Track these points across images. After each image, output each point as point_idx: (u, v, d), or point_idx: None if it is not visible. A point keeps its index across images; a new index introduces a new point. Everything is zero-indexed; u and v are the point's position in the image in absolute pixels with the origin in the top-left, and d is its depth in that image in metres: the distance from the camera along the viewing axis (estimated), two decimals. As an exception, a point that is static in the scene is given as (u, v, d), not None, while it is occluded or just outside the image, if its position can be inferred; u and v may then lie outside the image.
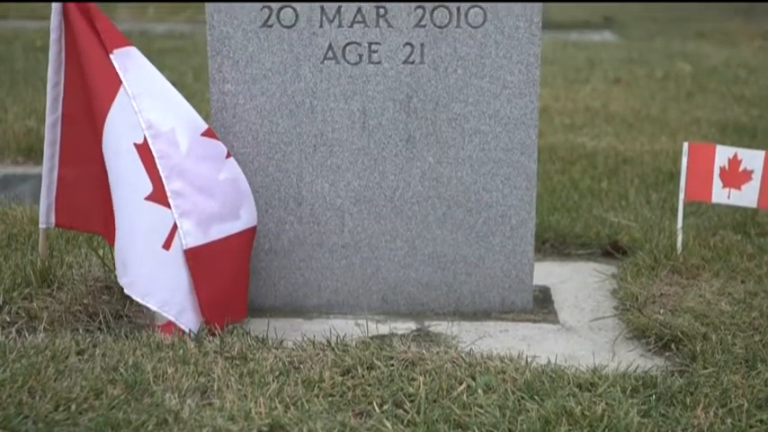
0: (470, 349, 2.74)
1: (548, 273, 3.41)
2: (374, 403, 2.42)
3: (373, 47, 2.94)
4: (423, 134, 2.99)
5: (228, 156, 2.89)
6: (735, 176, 3.30)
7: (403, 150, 3.01)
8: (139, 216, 2.75)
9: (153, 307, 2.75)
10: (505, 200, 3.04)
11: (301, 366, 2.59)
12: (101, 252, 3.22)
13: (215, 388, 2.47)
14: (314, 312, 3.10)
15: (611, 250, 3.57)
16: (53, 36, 2.90)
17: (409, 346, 2.70)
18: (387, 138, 3.00)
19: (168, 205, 2.75)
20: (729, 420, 2.36)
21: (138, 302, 2.79)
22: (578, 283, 3.35)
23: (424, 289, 3.10)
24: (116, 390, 2.42)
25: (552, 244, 3.69)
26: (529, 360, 2.65)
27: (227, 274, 2.86)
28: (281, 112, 2.99)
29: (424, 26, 2.93)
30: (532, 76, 2.95)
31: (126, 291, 2.76)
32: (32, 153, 4.68)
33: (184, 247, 2.76)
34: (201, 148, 2.83)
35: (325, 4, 2.91)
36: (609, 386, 2.50)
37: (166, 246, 2.75)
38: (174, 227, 2.76)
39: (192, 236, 2.77)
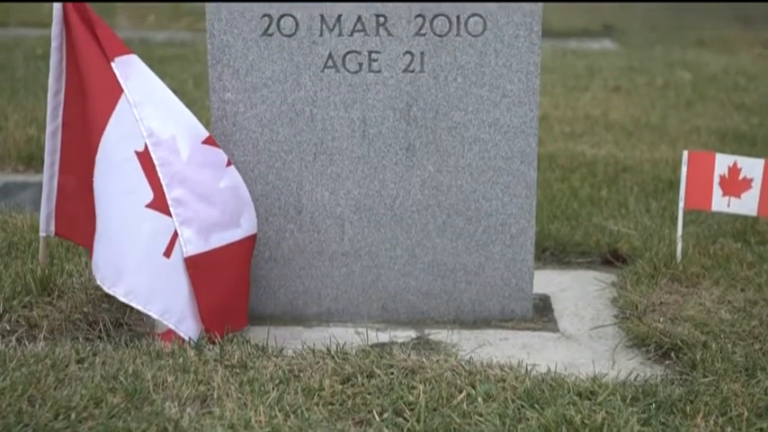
0: (470, 357, 2.74)
1: (548, 281, 3.41)
2: (374, 412, 2.42)
3: (373, 55, 2.95)
4: (423, 143, 3.00)
5: (229, 164, 2.89)
6: (735, 185, 3.31)
7: (403, 159, 3.01)
8: (140, 224, 2.75)
9: (154, 315, 2.75)
10: (505, 208, 3.04)
11: (301, 375, 2.59)
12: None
13: (215, 396, 2.47)
14: (314, 320, 3.10)
15: (611, 258, 3.57)
16: (54, 44, 2.90)
17: (409, 355, 2.70)
18: (387, 146, 3.01)
19: (169, 213, 2.76)
20: (729, 429, 2.36)
21: (137, 311, 2.79)
22: (578, 292, 3.35)
23: (423, 297, 3.10)
24: (116, 398, 2.42)
25: (552, 252, 3.69)
26: (529, 368, 2.65)
27: (227, 282, 2.86)
28: (281, 120, 3.00)
29: (424, 35, 2.93)
30: (532, 84, 2.96)
31: (124, 299, 2.75)
32: (33, 161, 4.68)
33: (185, 255, 2.76)
34: (202, 156, 2.84)
35: (326, 13, 2.92)
36: (609, 395, 2.50)
37: (167, 253, 2.75)
38: (175, 235, 2.76)
39: (192, 244, 2.77)
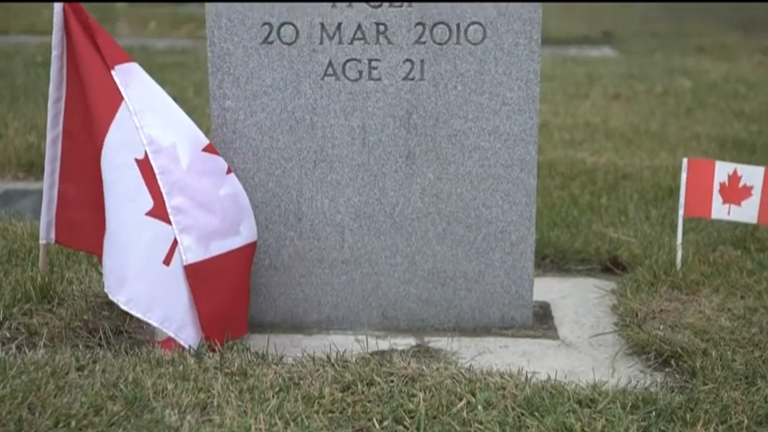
0: (470, 365, 2.74)
1: (547, 288, 3.42)
2: (374, 420, 2.42)
3: (373, 63, 2.95)
4: (422, 150, 3.00)
5: (229, 171, 2.89)
6: (735, 192, 3.31)
7: (403, 166, 3.02)
8: (140, 232, 2.75)
9: (154, 323, 2.75)
10: (505, 216, 3.04)
11: (301, 382, 2.59)
12: (101, 268, 3.22)
13: (215, 404, 2.47)
14: (314, 328, 3.10)
15: (611, 266, 3.57)
16: (55, 52, 2.91)
17: (409, 362, 2.70)
18: (387, 154, 3.01)
19: (169, 221, 2.76)
20: (729, 437, 2.36)
21: (137, 318, 2.79)
22: (578, 299, 3.35)
23: (423, 305, 3.10)
24: (116, 406, 2.42)
25: (552, 260, 3.69)
26: (529, 376, 2.65)
27: (227, 290, 2.86)
28: (281, 128, 3.00)
29: (424, 43, 2.94)
30: (532, 92, 2.96)
31: (124, 307, 2.75)
32: (33, 169, 4.68)
33: (184, 263, 2.76)
34: (202, 164, 2.84)
35: (326, 22, 2.92)
36: (609, 402, 2.50)
37: (167, 261, 2.75)
38: (175, 243, 2.76)
39: (192, 252, 2.77)
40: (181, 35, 9.23)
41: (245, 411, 2.43)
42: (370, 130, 3.00)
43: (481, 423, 2.39)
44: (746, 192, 3.30)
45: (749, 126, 5.80)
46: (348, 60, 2.95)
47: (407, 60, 2.95)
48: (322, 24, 2.93)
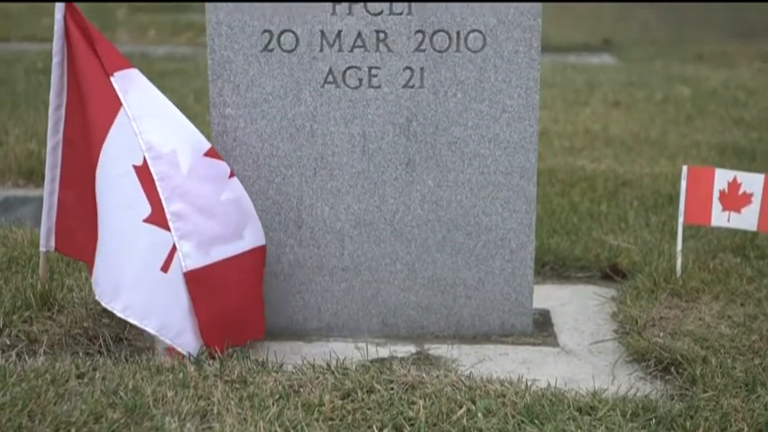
0: (470, 373, 2.74)
1: (547, 296, 3.42)
2: (374, 427, 2.42)
3: (373, 71, 2.96)
4: (422, 158, 3.01)
5: (232, 175, 2.89)
6: (734, 200, 3.31)
7: (403, 174, 3.02)
8: (137, 238, 2.75)
9: (151, 330, 2.75)
10: (505, 223, 3.04)
11: (301, 390, 2.59)
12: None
13: (215, 412, 2.47)
14: (314, 335, 3.10)
15: (611, 273, 3.57)
16: (55, 60, 2.91)
17: (409, 370, 2.70)
18: (387, 161, 3.01)
19: (167, 228, 2.75)
20: (729, 444, 2.36)
21: (137, 325, 2.79)
22: (578, 306, 3.35)
23: (423, 312, 3.10)
24: (116, 413, 2.42)
25: (552, 267, 3.69)
26: (529, 383, 2.65)
27: (232, 295, 2.85)
28: (281, 135, 3.00)
29: (424, 50, 2.94)
30: (532, 100, 2.97)
31: (121, 314, 2.75)
32: (33, 176, 4.68)
33: (184, 270, 2.76)
34: (204, 169, 2.84)
35: (326, 29, 2.93)
36: (609, 410, 2.50)
37: (164, 268, 2.74)
38: (173, 249, 2.75)
39: (191, 258, 2.77)
40: (181, 42, 9.23)
41: (245, 419, 2.43)
42: (370, 137, 3.00)
43: (481, 431, 2.39)
44: (746, 199, 3.30)
45: (749, 133, 5.80)
46: (348, 68, 2.96)
47: (407, 68, 2.95)
48: (322, 32, 2.94)
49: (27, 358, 2.74)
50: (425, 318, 3.11)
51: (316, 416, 2.46)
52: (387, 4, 2.92)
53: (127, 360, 2.75)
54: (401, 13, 2.92)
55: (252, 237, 2.89)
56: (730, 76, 7.66)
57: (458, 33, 2.93)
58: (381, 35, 2.94)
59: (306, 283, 3.09)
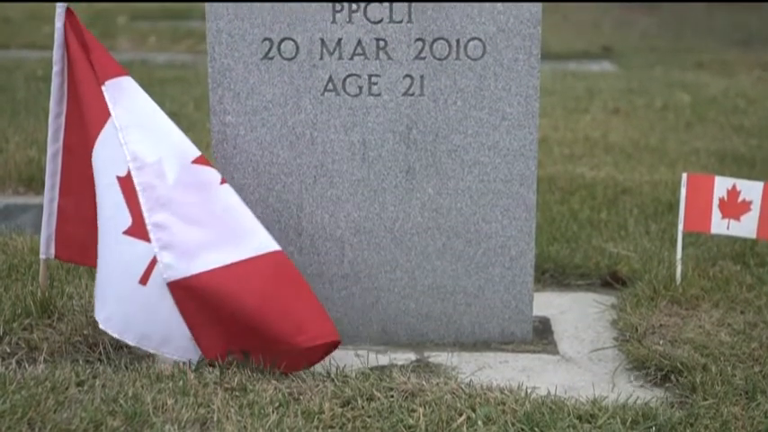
0: (470, 380, 2.74)
1: (547, 303, 3.41)
2: (374, 435, 2.42)
3: (373, 79, 2.96)
4: (422, 165, 3.01)
5: (223, 182, 2.82)
6: (734, 207, 3.31)
7: (403, 182, 3.02)
8: (117, 250, 2.74)
9: (130, 342, 2.76)
10: (505, 231, 3.04)
11: (301, 397, 2.59)
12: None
13: (215, 419, 2.47)
14: (314, 343, 3.09)
15: (611, 281, 3.57)
16: (56, 68, 2.92)
17: (409, 377, 2.70)
18: (387, 169, 3.02)
19: (148, 239, 2.72)
20: (729, 452, 2.36)
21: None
22: (578, 314, 3.35)
23: (423, 319, 3.10)
24: (116, 421, 2.42)
25: (552, 274, 3.69)
26: (529, 391, 2.65)
27: (239, 304, 2.73)
28: (281, 143, 3.01)
29: (424, 58, 2.95)
30: (531, 107, 2.97)
31: (102, 326, 2.75)
32: (33, 183, 4.68)
33: (167, 281, 2.72)
34: (192, 177, 2.79)
35: (326, 37, 2.93)
36: (609, 418, 2.50)
37: (143, 281, 2.72)
38: (153, 261, 2.71)
39: (173, 269, 2.71)
40: (180, 50, 9.24)
41: (244, 427, 2.43)
42: (370, 145, 3.00)
43: (481, 438, 2.39)
44: (745, 207, 3.30)
45: (748, 141, 5.81)
46: (348, 76, 2.96)
47: (407, 76, 2.96)
48: (322, 40, 2.94)
49: (27, 366, 2.74)
50: (425, 325, 3.11)
51: (315, 423, 2.46)
52: (387, 12, 2.92)
53: (127, 368, 2.75)
54: (401, 21, 2.93)
55: (254, 244, 2.78)
56: (730, 84, 7.67)
57: (458, 41, 2.94)
58: (381, 43, 2.94)
59: (306, 291, 3.08)
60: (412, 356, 3.01)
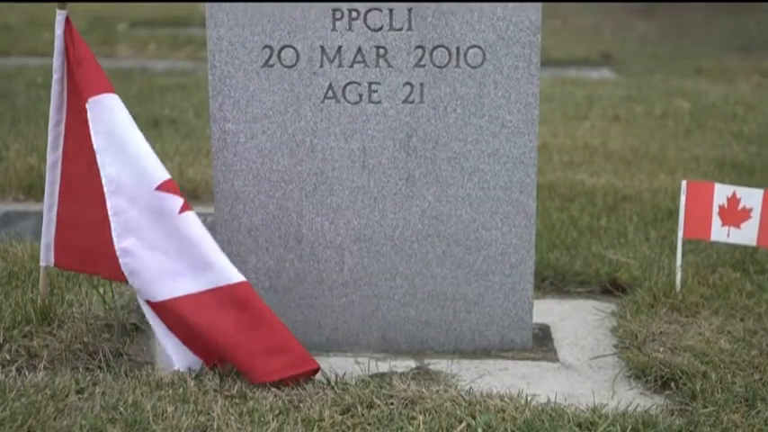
0: (470, 388, 2.74)
1: (547, 310, 3.41)
2: (374, 442, 2.42)
3: (373, 86, 2.96)
4: (422, 173, 3.01)
5: (184, 210, 2.74)
6: (734, 215, 3.31)
7: (403, 189, 3.02)
8: None
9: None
10: (505, 238, 3.05)
11: (301, 405, 2.59)
12: (101, 290, 3.23)
13: (215, 427, 2.47)
14: (313, 350, 3.08)
15: (611, 288, 3.57)
16: (55, 76, 2.92)
17: (409, 385, 2.70)
18: (386, 176, 3.02)
19: (118, 264, 2.74)
20: (729, 460, 2.36)
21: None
22: (578, 321, 3.35)
23: (423, 327, 3.10)
24: (116, 429, 2.42)
25: (552, 281, 3.69)
26: (528, 399, 2.65)
27: (210, 333, 2.71)
28: (281, 150, 3.01)
29: (424, 66, 2.95)
30: (531, 115, 2.97)
31: None
32: (33, 190, 4.68)
33: (143, 299, 2.75)
34: (156, 203, 2.75)
35: (326, 45, 2.94)
36: (609, 425, 2.50)
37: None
38: None
39: (142, 294, 2.75)
40: (180, 57, 9.25)
41: (244, 434, 2.43)
42: (370, 152, 3.00)
43: (481, 446, 2.39)
44: (746, 214, 3.31)
45: (748, 147, 5.81)
46: (348, 83, 2.97)
47: (407, 83, 2.96)
48: (322, 47, 2.95)
49: (27, 373, 2.74)
50: (425, 332, 3.11)
51: (315, 431, 2.46)
52: (387, 20, 2.92)
53: (127, 375, 2.75)
54: (401, 29, 2.93)
55: (210, 276, 2.72)
56: (729, 91, 7.68)
57: (457, 49, 2.94)
58: (381, 50, 2.95)
59: (306, 298, 3.09)
60: (412, 364, 3.01)
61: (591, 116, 6.67)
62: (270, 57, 2.96)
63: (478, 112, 2.97)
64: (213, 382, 2.68)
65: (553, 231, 4.10)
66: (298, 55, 2.95)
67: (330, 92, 2.97)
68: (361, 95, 2.97)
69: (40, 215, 3.11)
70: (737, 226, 3.31)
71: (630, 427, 2.49)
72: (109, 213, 2.74)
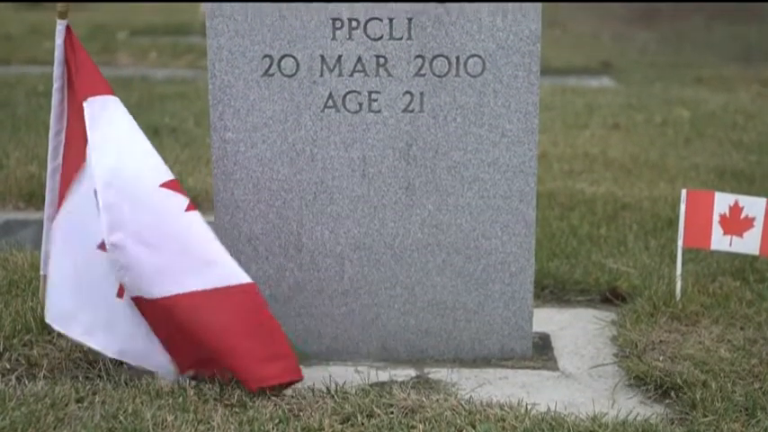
0: (470, 397, 2.74)
1: (547, 319, 3.41)
2: (374, 452, 2.42)
3: (373, 95, 2.97)
4: (422, 182, 3.01)
5: (190, 209, 2.74)
6: (736, 224, 3.31)
7: (403, 198, 3.03)
8: (93, 265, 2.74)
9: (112, 355, 2.76)
10: (504, 247, 3.05)
11: (301, 414, 2.59)
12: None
13: (214, 436, 2.47)
14: (313, 359, 3.09)
15: (611, 297, 3.57)
16: (56, 85, 2.93)
17: (409, 394, 2.70)
18: (386, 185, 3.02)
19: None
20: (729, 469, 2.36)
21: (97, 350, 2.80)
22: (578, 330, 3.35)
23: (423, 336, 3.10)
24: (115, 438, 2.42)
25: (551, 290, 3.69)
26: (528, 408, 2.64)
27: (198, 330, 2.68)
28: (281, 159, 3.01)
29: (424, 75, 2.96)
30: (531, 124, 2.98)
31: (78, 339, 2.77)
32: (34, 199, 4.68)
33: (131, 296, 2.72)
34: (158, 200, 2.73)
35: (326, 54, 2.94)
36: (609, 434, 2.50)
37: (120, 294, 2.73)
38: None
39: (131, 290, 2.71)
40: (181, 65, 9.26)
41: (244, 443, 2.42)
42: (370, 161, 3.01)
43: (481, 455, 2.39)
44: (748, 223, 3.31)
45: (748, 156, 5.81)
46: (348, 92, 2.97)
47: (407, 92, 2.97)
48: (322, 57, 2.95)
49: (27, 382, 2.74)
50: (425, 341, 3.11)
51: (315, 440, 2.46)
52: (387, 29, 2.93)
53: (127, 384, 2.75)
54: (401, 38, 2.94)
55: (217, 273, 2.70)
56: (729, 100, 7.68)
57: (457, 58, 2.95)
58: (381, 60, 2.95)
59: (306, 307, 3.09)
60: (412, 373, 3.01)
61: (591, 125, 6.67)
62: (270, 66, 2.96)
63: (478, 122, 2.98)
64: (213, 390, 2.68)
65: (553, 240, 4.10)
66: (298, 64, 2.96)
67: (330, 101, 2.98)
68: (361, 104, 2.98)
69: (40, 224, 3.11)
70: (740, 235, 3.31)
71: (630, 436, 2.49)
72: (99, 207, 2.68)
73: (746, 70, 9.29)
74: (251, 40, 2.95)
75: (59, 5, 2.89)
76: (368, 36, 2.94)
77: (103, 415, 2.53)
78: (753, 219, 3.30)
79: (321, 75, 2.96)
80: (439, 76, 2.96)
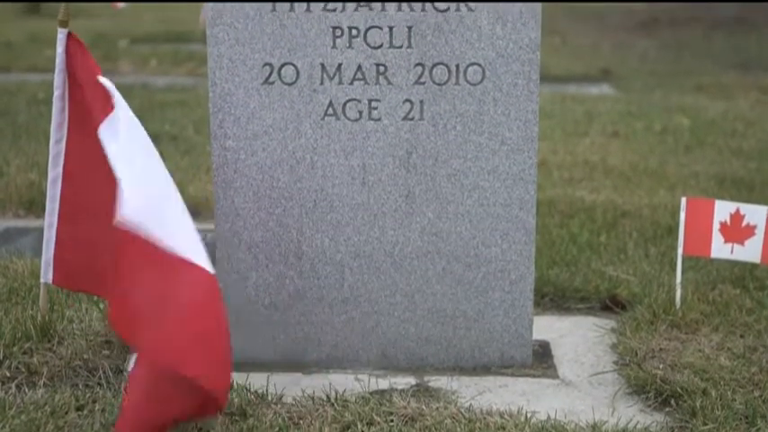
0: (470, 405, 2.74)
1: (547, 327, 3.41)
2: (374, 460, 2.42)
3: (373, 104, 2.97)
4: (422, 190, 3.02)
5: None
6: (738, 232, 3.31)
7: (402, 206, 3.03)
8: None
9: None
10: (504, 255, 3.05)
11: (301, 422, 2.59)
12: (101, 306, 3.23)
13: (214, 444, 2.47)
14: (313, 367, 3.09)
15: (611, 304, 3.57)
16: (56, 93, 2.93)
17: (409, 402, 2.70)
18: (386, 193, 3.02)
19: None
20: (729, 477, 2.36)
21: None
22: (578, 338, 3.35)
23: (423, 344, 3.10)
24: (115, 446, 2.42)
25: (551, 298, 3.69)
26: (528, 416, 2.64)
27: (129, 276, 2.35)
28: (281, 167, 3.02)
29: (424, 83, 2.96)
30: (531, 132, 2.98)
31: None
32: (34, 206, 4.68)
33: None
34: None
35: (326, 62, 2.95)
36: (609, 442, 2.50)
37: None
38: None
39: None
40: (181, 73, 9.27)
41: (244, 451, 2.42)
42: (369, 169, 3.01)
43: (481, 463, 2.39)
44: (750, 231, 3.31)
45: (747, 164, 5.82)
46: (348, 100, 2.98)
47: (407, 101, 2.97)
48: (322, 65, 2.96)
49: (27, 390, 2.74)
50: (425, 349, 3.11)
51: (315, 448, 2.46)
52: (387, 37, 2.93)
53: (126, 392, 2.74)
54: (401, 47, 2.94)
55: (194, 253, 2.33)
56: (729, 107, 7.69)
57: (457, 66, 2.95)
58: (381, 68, 2.96)
59: (306, 315, 3.09)
60: (412, 381, 3.01)
61: (590, 132, 6.68)
62: (270, 74, 2.97)
63: (478, 129, 2.98)
64: (213, 398, 2.68)
65: (553, 248, 4.11)
66: (298, 72, 2.96)
67: (330, 109, 2.98)
68: (361, 112, 2.98)
69: (40, 231, 3.12)
70: (742, 243, 3.31)
71: (630, 444, 2.49)
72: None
73: (746, 78, 9.30)
74: (251, 48, 2.95)
75: (60, 14, 2.89)
76: (368, 44, 2.94)
77: (103, 423, 2.53)
78: (754, 227, 3.30)
79: (321, 83, 2.97)
80: (439, 85, 2.96)
